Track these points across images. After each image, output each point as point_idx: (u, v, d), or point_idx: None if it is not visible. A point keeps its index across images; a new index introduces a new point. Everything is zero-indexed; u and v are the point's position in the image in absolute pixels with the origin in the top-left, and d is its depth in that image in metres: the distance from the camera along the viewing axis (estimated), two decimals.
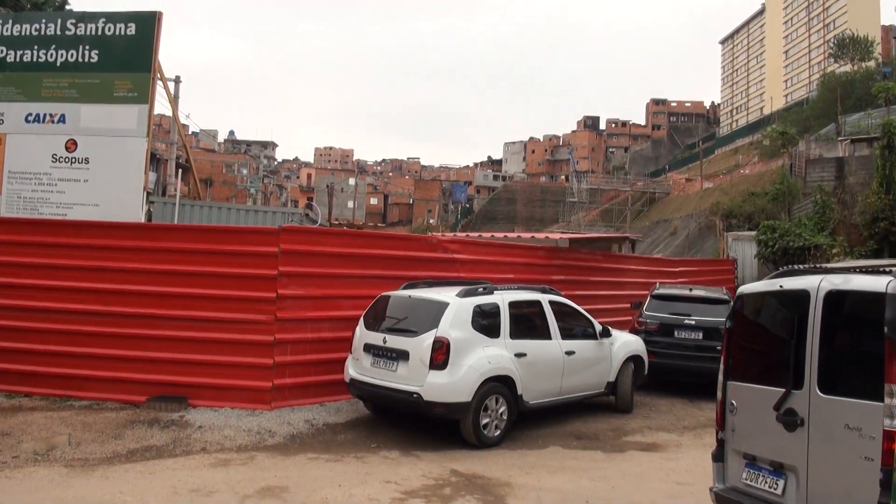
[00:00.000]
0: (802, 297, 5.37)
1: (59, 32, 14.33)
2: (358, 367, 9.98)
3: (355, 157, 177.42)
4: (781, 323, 5.90)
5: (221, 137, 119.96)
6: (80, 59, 14.22)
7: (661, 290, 14.62)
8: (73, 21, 14.40)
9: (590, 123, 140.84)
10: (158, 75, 14.78)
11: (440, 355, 9.12)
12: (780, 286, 5.72)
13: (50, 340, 10.73)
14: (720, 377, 6.13)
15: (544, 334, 10.57)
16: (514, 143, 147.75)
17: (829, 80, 65.38)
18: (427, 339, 9.23)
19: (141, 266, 10.88)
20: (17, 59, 14.34)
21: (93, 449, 8.50)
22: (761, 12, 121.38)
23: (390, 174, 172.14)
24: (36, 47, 14.32)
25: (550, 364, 10.42)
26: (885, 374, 4.62)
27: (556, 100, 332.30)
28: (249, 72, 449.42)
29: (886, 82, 40.79)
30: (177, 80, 30.67)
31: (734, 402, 5.94)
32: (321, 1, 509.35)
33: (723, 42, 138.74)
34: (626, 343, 12.08)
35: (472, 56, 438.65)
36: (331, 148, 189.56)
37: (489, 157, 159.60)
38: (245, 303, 10.76)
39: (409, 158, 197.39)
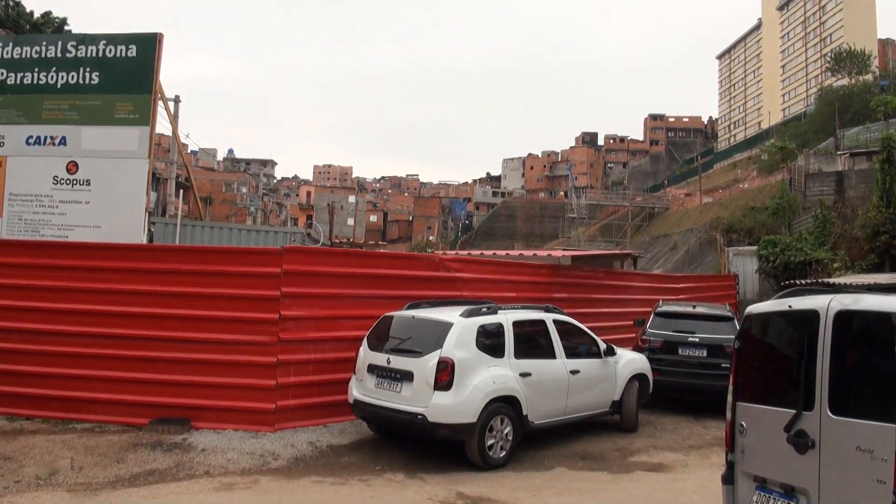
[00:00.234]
0: (812, 317, 5.31)
1: (59, 55, 14.39)
2: (362, 388, 9.92)
3: (354, 175, 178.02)
4: (791, 343, 5.84)
5: (220, 156, 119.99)
6: (81, 81, 14.28)
7: (665, 308, 14.58)
8: (74, 43, 14.47)
9: (588, 139, 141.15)
10: (159, 97, 14.80)
11: (445, 376, 9.05)
12: (789, 306, 5.68)
13: (51, 363, 10.65)
14: (729, 398, 6.07)
15: (549, 354, 10.51)
16: (512, 159, 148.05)
17: (826, 94, 65.67)
18: (431, 360, 9.17)
19: (143, 288, 10.83)
20: (18, 82, 14.40)
21: (95, 473, 8.42)
22: (758, 27, 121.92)
23: (389, 191, 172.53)
24: (36, 69, 14.37)
25: (555, 384, 10.36)
26: None
27: (554, 116, 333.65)
28: (247, 89, 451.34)
29: (885, 96, 40.84)
30: (176, 100, 30.64)
31: (743, 423, 5.88)
32: (318, 19, 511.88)
33: (720, 57, 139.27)
34: (630, 361, 12.02)
35: (470, 73, 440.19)
36: (329, 165, 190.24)
37: (488, 174, 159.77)
38: (248, 324, 10.70)
39: (407, 175, 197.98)
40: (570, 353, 10.80)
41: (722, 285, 25.67)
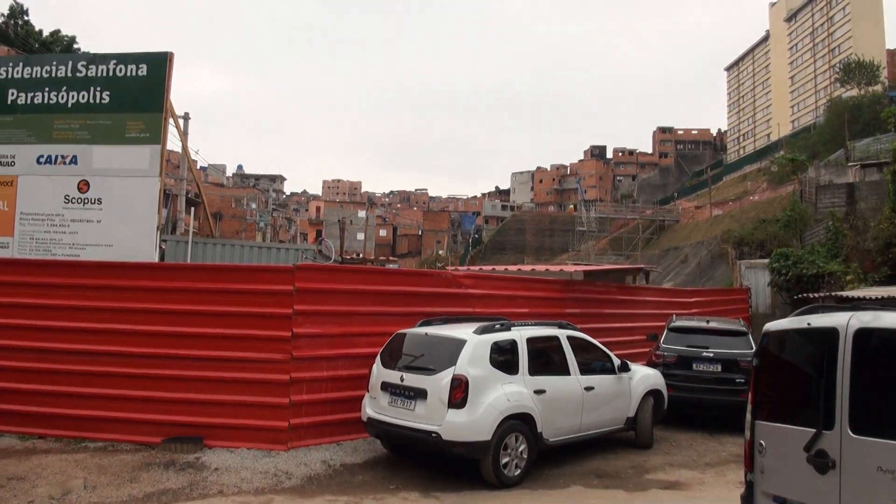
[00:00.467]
0: (831, 334, 5.25)
1: (70, 74, 14.46)
2: (375, 406, 9.87)
3: (363, 189, 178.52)
4: (810, 361, 5.77)
5: (230, 171, 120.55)
6: (92, 101, 14.34)
7: (678, 323, 14.50)
8: (85, 63, 14.54)
9: (597, 152, 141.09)
10: (170, 115, 14.86)
11: (459, 393, 8.99)
12: (808, 323, 5.62)
13: (64, 381, 10.66)
14: (748, 416, 6.00)
15: (563, 370, 10.44)
16: (521, 172, 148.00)
17: (836, 105, 65.39)
18: (445, 378, 9.11)
19: (155, 306, 10.83)
20: (29, 102, 14.48)
21: (108, 493, 8.38)
22: (766, 39, 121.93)
23: (398, 206, 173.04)
24: (47, 89, 14.45)
25: (570, 400, 10.28)
26: None
27: (563, 129, 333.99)
28: (256, 106, 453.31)
29: (895, 107, 40.66)
30: (186, 117, 30.85)
31: (763, 442, 5.81)
32: (327, 35, 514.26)
33: (728, 69, 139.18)
34: (645, 377, 11.94)
35: (478, 87, 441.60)
36: (339, 180, 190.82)
37: (497, 188, 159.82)
38: (260, 342, 10.67)
39: (416, 189, 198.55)
40: (585, 369, 10.73)
41: (734, 299, 25.56)
